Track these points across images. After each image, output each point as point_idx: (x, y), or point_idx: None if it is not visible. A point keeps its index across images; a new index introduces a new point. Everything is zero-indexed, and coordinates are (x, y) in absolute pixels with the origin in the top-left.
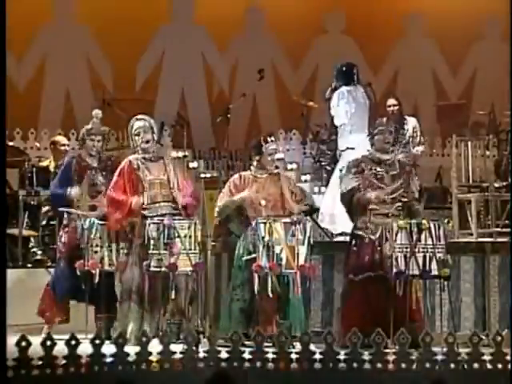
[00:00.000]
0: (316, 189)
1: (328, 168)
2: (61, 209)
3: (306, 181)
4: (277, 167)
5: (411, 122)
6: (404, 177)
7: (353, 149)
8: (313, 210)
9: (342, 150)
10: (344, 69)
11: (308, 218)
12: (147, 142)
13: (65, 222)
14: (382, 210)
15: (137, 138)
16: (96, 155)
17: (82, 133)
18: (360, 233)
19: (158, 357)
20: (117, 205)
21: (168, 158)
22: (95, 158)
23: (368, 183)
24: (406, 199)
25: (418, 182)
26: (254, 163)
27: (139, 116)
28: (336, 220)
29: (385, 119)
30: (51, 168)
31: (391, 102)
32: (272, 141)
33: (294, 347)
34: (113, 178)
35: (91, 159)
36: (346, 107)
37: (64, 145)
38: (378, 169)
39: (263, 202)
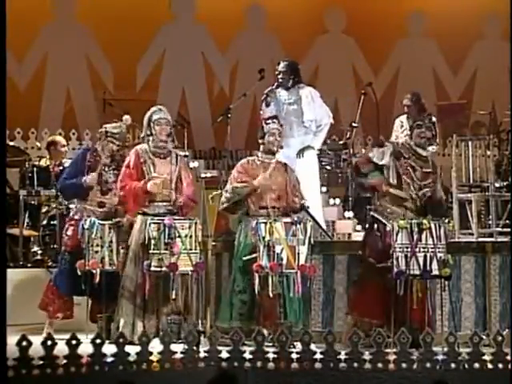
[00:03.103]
0: None
1: (328, 168)
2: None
3: None
4: (281, 147)
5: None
6: (433, 177)
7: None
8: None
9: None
10: (298, 66)
11: (308, 217)
12: (168, 135)
13: (71, 214)
14: (406, 204)
15: (157, 128)
16: (109, 155)
17: (105, 131)
18: (380, 218)
19: (159, 357)
20: (132, 191)
21: (175, 155)
22: (109, 157)
23: (403, 170)
24: (431, 198)
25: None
26: (261, 147)
27: (161, 106)
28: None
29: (425, 114)
30: (50, 168)
31: (405, 101)
32: (273, 122)
33: (294, 347)
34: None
35: (105, 156)
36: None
37: (64, 145)
38: (416, 162)
39: (270, 191)
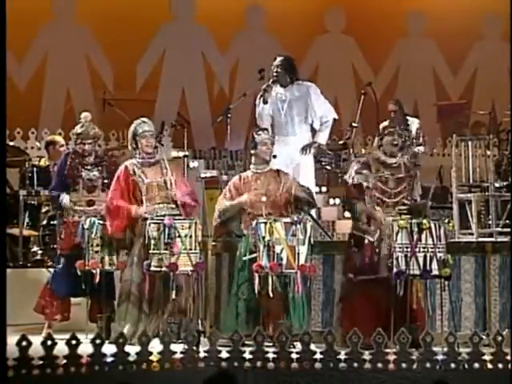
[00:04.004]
0: (317, 188)
1: (328, 168)
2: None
3: None
4: (274, 156)
5: (414, 124)
6: (408, 180)
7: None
8: (311, 205)
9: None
10: (294, 63)
11: (308, 217)
12: (155, 147)
13: (64, 218)
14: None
15: (143, 141)
16: (88, 155)
17: (74, 133)
18: (359, 234)
19: (159, 356)
20: (117, 212)
21: (165, 160)
22: (90, 156)
23: (373, 185)
24: (408, 202)
25: (420, 186)
26: (253, 159)
27: (144, 119)
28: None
29: (393, 121)
30: (50, 168)
31: (391, 107)
32: (265, 132)
33: (294, 347)
34: (108, 172)
35: (86, 157)
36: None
37: (63, 145)
38: (385, 172)
39: (264, 198)
